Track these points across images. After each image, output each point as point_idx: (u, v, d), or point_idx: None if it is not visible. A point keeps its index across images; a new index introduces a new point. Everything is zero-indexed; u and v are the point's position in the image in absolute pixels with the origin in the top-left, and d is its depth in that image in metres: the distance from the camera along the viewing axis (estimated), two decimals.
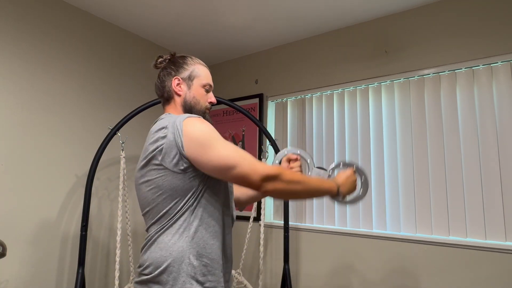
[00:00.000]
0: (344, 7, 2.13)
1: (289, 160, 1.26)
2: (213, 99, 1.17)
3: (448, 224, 1.89)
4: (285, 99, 2.63)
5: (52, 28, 2.02)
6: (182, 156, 0.96)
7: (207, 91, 1.16)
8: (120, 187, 1.92)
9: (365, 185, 1.18)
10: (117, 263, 1.85)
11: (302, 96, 2.53)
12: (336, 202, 1.13)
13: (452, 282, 1.82)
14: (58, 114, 2.03)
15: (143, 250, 1.01)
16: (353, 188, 1.13)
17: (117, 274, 1.83)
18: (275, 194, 0.96)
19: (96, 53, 2.26)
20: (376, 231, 2.11)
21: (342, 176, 1.12)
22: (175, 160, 0.96)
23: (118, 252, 1.85)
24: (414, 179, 2.02)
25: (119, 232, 1.88)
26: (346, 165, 1.22)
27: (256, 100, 2.75)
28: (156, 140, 0.99)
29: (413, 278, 1.93)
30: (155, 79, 2.64)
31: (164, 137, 0.98)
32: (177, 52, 2.85)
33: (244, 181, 0.93)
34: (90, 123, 2.20)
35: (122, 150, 1.95)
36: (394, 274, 1.99)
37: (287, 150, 1.27)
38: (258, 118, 2.68)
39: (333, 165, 1.25)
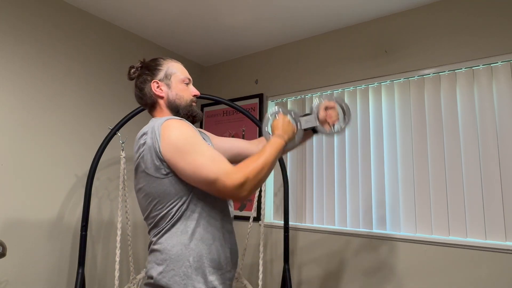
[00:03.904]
0: (344, 7, 2.13)
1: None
2: (196, 92, 1.16)
3: (448, 224, 1.89)
4: (285, 99, 2.62)
5: (52, 28, 2.02)
6: (161, 161, 0.95)
7: (187, 85, 1.15)
8: (120, 187, 1.92)
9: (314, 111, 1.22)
10: (117, 263, 1.85)
11: (302, 96, 2.53)
12: (296, 141, 1.18)
13: (452, 282, 1.82)
14: (58, 114, 2.03)
15: (148, 254, 1.02)
16: (291, 127, 1.14)
17: (117, 274, 1.83)
18: (252, 192, 0.95)
19: (96, 53, 2.26)
20: (376, 231, 2.10)
21: (276, 126, 1.13)
22: (156, 165, 0.96)
23: (118, 252, 1.85)
24: (414, 179, 2.02)
25: (119, 232, 1.87)
26: (275, 112, 1.22)
27: (256, 100, 2.75)
28: (138, 148, 0.99)
29: (413, 278, 1.93)
30: None
31: (144, 143, 0.98)
32: (176, 52, 2.86)
33: (219, 195, 0.93)
34: (90, 123, 2.20)
35: (122, 150, 1.95)
36: (394, 274, 1.99)
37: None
38: (258, 118, 2.68)
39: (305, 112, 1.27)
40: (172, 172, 0.96)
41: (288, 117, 1.17)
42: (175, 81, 1.12)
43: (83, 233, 1.77)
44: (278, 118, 1.15)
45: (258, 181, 0.94)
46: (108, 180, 2.28)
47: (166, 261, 0.94)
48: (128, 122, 2.06)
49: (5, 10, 1.82)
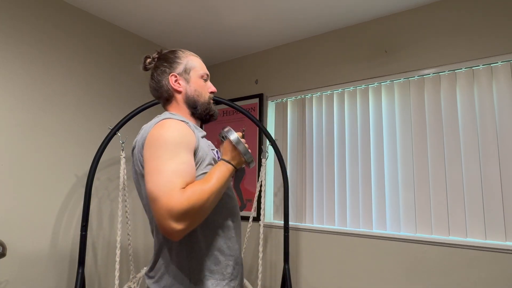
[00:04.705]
0: (344, 7, 2.13)
1: None
2: (213, 88, 1.12)
3: (448, 224, 1.89)
4: (285, 99, 2.63)
5: (52, 28, 2.02)
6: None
7: (205, 81, 1.10)
8: (120, 187, 1.92)
9: (238, 143, 0.99)
10: (117, 263, 1.85)
11: (302, 96, 2.53)
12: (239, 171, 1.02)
13: (452, 282, 1.82)
14: (58, 114, 2.03)
15: (150, 265, 0.97)
16: (237, 153, 0.97)
17: (117, 274, 1.83)
18: (189, 228, 0.82)
19: (96, 53, 2.26)
20: (376, 231, 2.10)
21: (225, 152, 0.98)
22: (142, 164, 0.91)
23: (118, 252, 1.85)
24: (414, 179, 2.02)
25: (119, 232, 1.88)
26: (222, 137, 1.07)
27: (256, 100, 2.75)
28: (132, 150, 0.96)
29: (413, 278, 1.93)
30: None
31: (136, 143, 0.95)
32: None
33: (155, 218, 0.81)
34: (90, 123, 2.20)
35: (122, 150, 1.95)
36: (394, 274, 1.99)
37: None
38: (258, 118, 2.68)
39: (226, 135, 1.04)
40: None
41: (233, 141, 0.99)
42: (194, 76, 1.07)
43: (83, 233, 1.77)
44: (224, 145, 1.00)
45: (200, 214, 0.83)
46: (108, 180, 2.28)
47: (168, 272, 0.90)
48: (128, 122, 2.06)
49: (6, 10, 1.82)
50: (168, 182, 0.81)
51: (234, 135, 0.99)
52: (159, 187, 0.80)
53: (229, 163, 0.95)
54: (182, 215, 0.79)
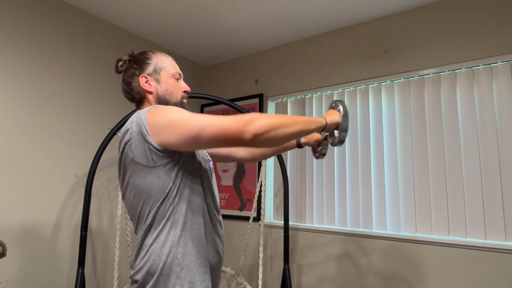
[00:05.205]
0: (344, 7, 2.13)
1: None
2: (187, 87, 1.11)
3: (448, 224, 1.89)
4: (285, 99, 2.63)
5: (52, 28, 2.02)
6: (150, 146, 0.90)
7: (178, 80, 1.09)
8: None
9: (344, 111, 1.12)
10: (116, 263, 1.85)
11: (302, 96, 2.53)
12: (335, 140, 1.12)
13: (452, 282, 1.82)
14: (58, 114, 2.03)
15: (134, 255, 0.96)
16: (337, 115, 1.07)
17: (116, 274, 1.83)
18: (270, 138, 0.83)
19: (96, 53, 2.26)
20: (376, 231, 2.10)
21: (327, 114, 1.09)
22: (145, 153, 0.91)
23: (117, 252, 1.85)
24: (414, 179, 2.02)
25: (118, 232, 1.88)
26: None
27: (256, 100, 2.75)
28: (127, 140, 0.95)
29: (413, 278, 1.92)
30: None
31: (130, 132, 0.93)
32: (176, 52, 2.86)
33: (225, 135, 0.82)
34: (90, 123, 2.20)
35: None
36: (394, 274, 1.99)
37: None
38: None
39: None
40: (163, 160, 0.92)
41: (341, 109, 1.11)
42: (164, 76, 1.07)
43: (83, 233, 1.77)
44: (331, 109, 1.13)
45: (275, 124, 0.83)
46: (108, 180, 2.28)
47: (156, 261, 0.90)
48: None
49: (5, 10, 1.83)
50: (212, 117, 0.85)
51: (345, 108, 1.11)
52: (205, 118, 0.85)
53: (323, 117, 1.02)
54: (249, 121, 0.81)
